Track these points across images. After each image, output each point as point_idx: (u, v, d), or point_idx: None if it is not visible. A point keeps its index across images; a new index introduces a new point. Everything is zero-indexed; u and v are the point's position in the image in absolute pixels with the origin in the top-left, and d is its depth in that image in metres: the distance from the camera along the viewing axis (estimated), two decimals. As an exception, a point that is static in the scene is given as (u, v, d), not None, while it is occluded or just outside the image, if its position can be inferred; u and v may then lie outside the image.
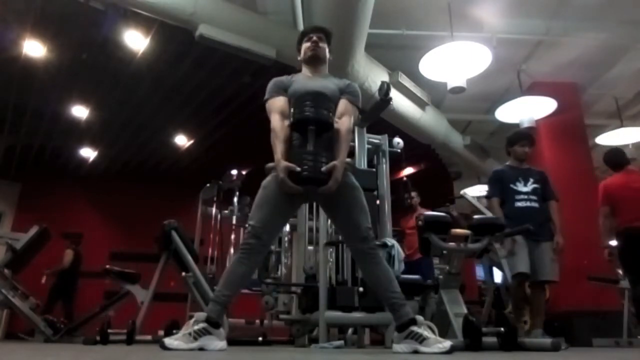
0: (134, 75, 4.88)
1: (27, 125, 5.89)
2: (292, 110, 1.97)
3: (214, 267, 4.98)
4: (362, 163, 3.46)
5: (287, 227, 4.84)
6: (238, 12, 4.15)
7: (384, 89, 3.34)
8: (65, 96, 5.37)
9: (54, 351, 1.95)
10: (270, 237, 1.98)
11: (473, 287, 7.05)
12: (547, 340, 2.49)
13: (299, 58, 2.24)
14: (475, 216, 3.02)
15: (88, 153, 6.92)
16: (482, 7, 4.53)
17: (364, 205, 1.98)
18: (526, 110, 5.18)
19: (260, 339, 4.10)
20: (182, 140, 6.57)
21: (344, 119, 2.01)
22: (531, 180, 3.37)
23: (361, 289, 3.01)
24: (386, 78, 4.91)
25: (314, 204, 3.69)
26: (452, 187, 8.01)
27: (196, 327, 1.79)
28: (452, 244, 2.66)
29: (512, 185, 3.35)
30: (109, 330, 3.23)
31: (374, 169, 3.55)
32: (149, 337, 3.43)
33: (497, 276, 4.49)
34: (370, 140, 3.62)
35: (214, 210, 5.31)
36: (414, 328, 1.78)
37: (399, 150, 3.73)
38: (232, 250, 5.04)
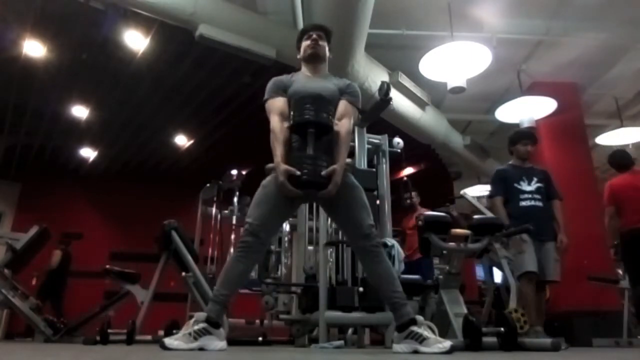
0: (134, 75, 4.89)
1: (27, 125, 5.89)
2: (291, 112, 1.97)
3: (214, 267, 4.98)
4: (362, 163, 3.46)
5: (287, 227, 4.85)
6: (238, 12, 4.15)
7: (384, 89, 3.34)
8: (65, 96, 5.37)
9: (54, 351, 1.95)
10: (268, 235, 1.97)
11: (473, 287, 7.05)
12: (547, 340, 2.49)
13: (298, 56, 2.22)
14: (475, 216, 3.02)
15: (88, 153, 6.92)
16: (482, 7, 4.53)
17: (365, 203, 1.97)
18: (526, 110, 5.18)
19: (260, 339, 4.10)
20: (182, 140, 6.57)
21: (344, 120, 2.00)
22: (535, 179, 3.36)
23: (361, 289, 3.01)
24: (386, 78, 4.91)
25: (314, 204, 3.69)
26: (452, 187, 8.02)
27: (196, 327, 1.79)
28: (452, 244, 2.66)
29: (515, 185, 3.33)
30: (109, 330, 3.23)
31: (374, 169, 3.55)
32: (149, 337, 3.43)
33: (497, 276, 4.48)
34: (370, 140, 3.62)
35: (214, 210, 5.31)
36: (414, 328, 1.78)
37: (399, 150, 3.72)
38: (232, 250, 5.04)
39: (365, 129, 3.60)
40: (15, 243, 4.13)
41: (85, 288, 6.32)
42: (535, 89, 5.43)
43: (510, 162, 3.54)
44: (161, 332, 3.48)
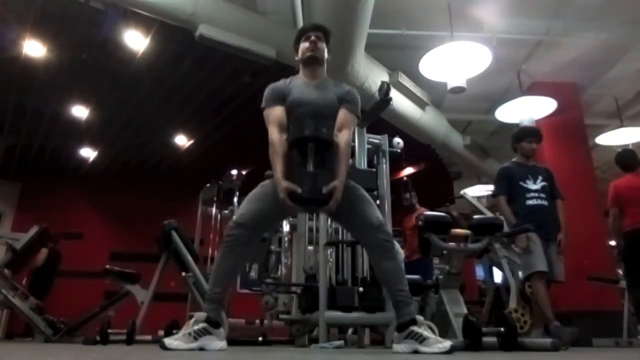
0: (134, 75, 4.88)
1: (27, 125, 5.89)
2: (290, 126, 1.93)
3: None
4: (362, 163, 3.46)
5: (287, 227, 4.84)
6: (238, 12, 4.15)
7: (384, 89, 3.34)
8: (65, 96, 5.37)
9: (54, 351, 1.96)
10: (254, 231, 1.92)
11: (473, 287, 7.05)
12: (547, 340, 2.49)
13: (296, 58, 2.16)
14: (475, 216, 3.02)
15: (88, 153, 6.92)
16: (482, 7, 4.53)
17: (369, 199, 1.96)
18: (526, 110, 5.18)
19: (260, 339, 4.10)
20: (182, 140, 6.57)
21: (344, 132, 1.97)
22: (540, 177, 3.31)
23: (361, 289, 3.00)
24: (386, 78, 4.90)
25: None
26: (452, 187, 8.02)
27: (196, 327, 1.79)
28: (452, 244, 2.66)
29: (521, 183, 3.27)
30: (109, 330, 3.24)
31: (374, 169, 3.55)
32: (149, 337, 3.43)
33: (498, 276, 4.48)
34: (370, 140, 3.61)
35: (214, 210, 5.31)
36: (414, 328, 1.78)
37: (399, 150, 3.72)
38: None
39: (365, 129, 3.60)
40: (15, 243, 4.14)
41: (85, 288, 6.32)
42: (535, 89, 5.43)
43: (514, 160, 3.48)
44: (161, 332, 3.49)
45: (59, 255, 6.07)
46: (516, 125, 5.25)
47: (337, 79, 2.18)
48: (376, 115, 3.63)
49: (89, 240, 7.23)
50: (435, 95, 5.67)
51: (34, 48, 4.45)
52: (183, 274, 3.63)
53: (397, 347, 1.81)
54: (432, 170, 7.32)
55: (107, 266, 3.90)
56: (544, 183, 3.30)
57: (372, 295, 2.97)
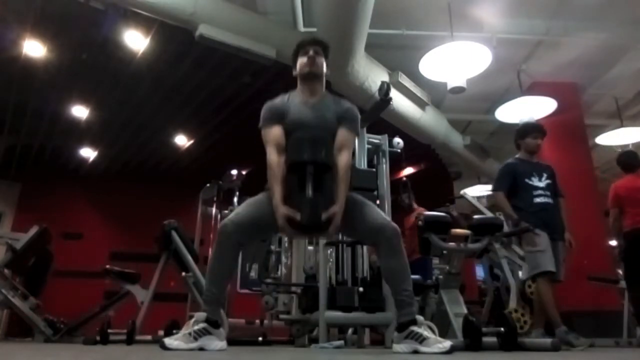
0: (134, 75, 4.89)
1: (27, 125, 5.89)
2: (288, 149, 1.91)
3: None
4: (362, 163, 3.46)
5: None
6: (238, 12, 4.14)
7: (384, 89, 3.34)
8: (65, 96, 5.37)
9: (54, 351, 1.96)
10: (245, 234, 1.88)
11: (473, 287, 7.05)
12: (547, 340, 2.49)
13: (294, 73, 2.11)
14: (475, 216, 3.02)
15: (88, 153, 6.92)
16: (482, 7, 4.53)
17: (367, 202, 1.96)
18: (526, 110, 5.17)
19: (260, 339, 4.10)
20: (182, 140, 6.57)
21: (343, 153, 1.94)
22: (544, 175, 3.27)
23: (361, 289, 3.01)
24: (386, 78, 4.90)
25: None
26: (452, 187, 8.02)
27: (196, 327, 1.79)
28: (452, 244, 2.66)
29: (527, 180, 3.22)
30: (109, 330, 3.23)
31: (374, 169, 3.55)
32: (149, 337, 3.43)
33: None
34: (370, 140, 3.62)
35: (214, 210, 5.30)
36: (414, 328, 1.78)
37: (399, 150, 3.72)
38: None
39: (365, 129, 3.60)
40: (15, 243, 4.14)
41: (85, 288, 6.31)
42: (535, 89, 5.43)
43: (517, 156, 3.41)
44: (161, 332, 3.48)
45: (51, 256, 6.05)
46: (516, 125, 5.24)
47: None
48: (376, 115, 3.64)
49: (89, 240, 7.24)
50: (435, 95, 5.67)
51: (34, 48, 4.45)
52: (183, 274, 3.63)
53: (397, 347, 1.81)
54: (432, 170, 7.32)
55: (107, 266, 3.90)
56: (548, 181, 3.26)
57: (372, 295, 2.97)
